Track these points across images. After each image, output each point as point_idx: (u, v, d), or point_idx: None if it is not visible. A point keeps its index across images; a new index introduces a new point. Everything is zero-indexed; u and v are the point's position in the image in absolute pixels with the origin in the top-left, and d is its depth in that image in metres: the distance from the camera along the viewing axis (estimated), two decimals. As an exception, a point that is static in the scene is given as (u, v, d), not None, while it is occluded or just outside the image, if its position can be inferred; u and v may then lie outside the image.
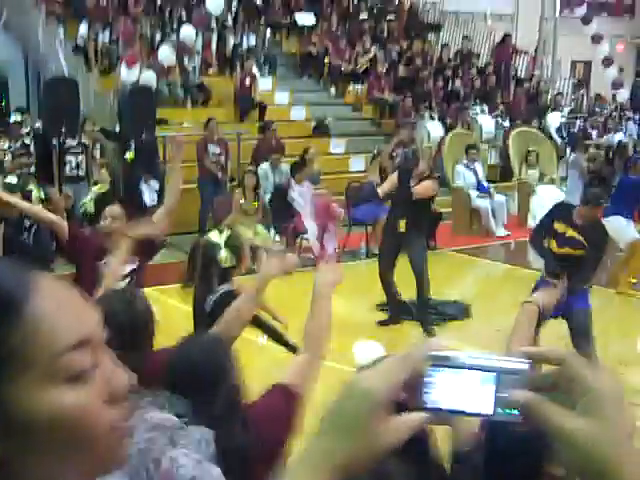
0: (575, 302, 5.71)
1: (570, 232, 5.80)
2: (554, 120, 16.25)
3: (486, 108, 16.08)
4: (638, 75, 24.74)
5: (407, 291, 8.25)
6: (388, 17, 18.48)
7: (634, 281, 9.50)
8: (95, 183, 10.36)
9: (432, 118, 14.95)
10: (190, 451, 2.12)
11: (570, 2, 17.79)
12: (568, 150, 15.20)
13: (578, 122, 16.61)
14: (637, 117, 17.67)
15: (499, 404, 0.92)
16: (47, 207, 6.22)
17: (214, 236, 4.40)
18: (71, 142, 11.09)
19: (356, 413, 0.90)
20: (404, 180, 7.97)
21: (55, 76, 12.46)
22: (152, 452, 2.07)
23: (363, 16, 17.97)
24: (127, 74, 12.66)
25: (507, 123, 15.77)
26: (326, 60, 16.09)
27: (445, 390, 0.93)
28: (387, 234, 8.31)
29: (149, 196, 10.67)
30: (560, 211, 6.06)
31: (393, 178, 8.19)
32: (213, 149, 11.65)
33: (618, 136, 15.88)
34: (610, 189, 11.24)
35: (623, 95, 17.76)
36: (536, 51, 19.97)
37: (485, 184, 13.20)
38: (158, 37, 14.38)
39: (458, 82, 16.81)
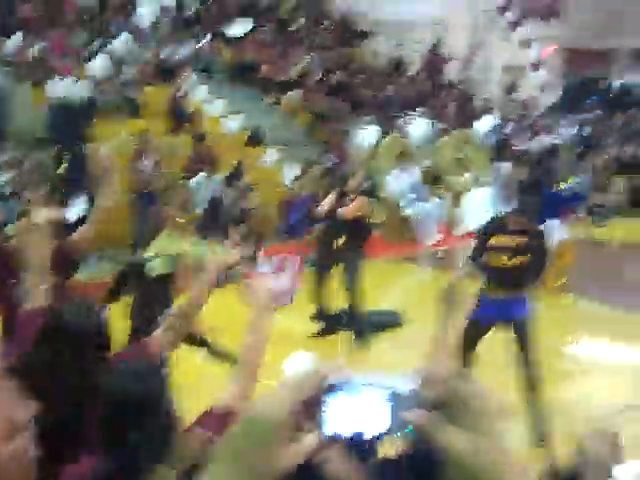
0: (517, 309, 5.79)
1: (513, 241, 5.75)
2: (485, 124, 16.54)
3: (419, 114, 16.32)
4: (567, 79, 25.34)
5: (341, 302, 8.35)
6: (321, 26, 18.63)
7: (561, 282, 9.74)
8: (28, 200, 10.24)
9: (366, 125, 15.11)
10: None
11: (499, 8, 18.14)
12: (498, 154, 15.52)
13: (508, 126, 16.95)
14: (565, 121, 18.11)
15: (393, 423, 0.98)
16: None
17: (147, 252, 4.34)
18: (2, 157, 10.98)
19: (252, 439, 0.93)
20: (339, 198, 8.10)
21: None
22: None
23: (296, 25, 18.08)
24: (59, 86, 12.57)
25: (440, 129, 16.00)
26: (260, 69, 16.14)
27: (342, 413, 0.98)
28: (323, 248, 8.40)
29: (76, 210, 10.55)
30: (495, 225, 5.97)
31: (331, 197, 8.29)
32: (146, 161, 11.61)
33: (547, 140, 16.27)
34: (539, 193, 11.51)
35: (552, 99, 18.19)
36: (467, 56, 20.33)
37: (418, 189, 13.40)
38: (91, 49, 14.29)
39: (391, 89, 17.04)
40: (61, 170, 11.12)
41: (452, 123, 16.45)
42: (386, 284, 10.63)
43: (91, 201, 10.33)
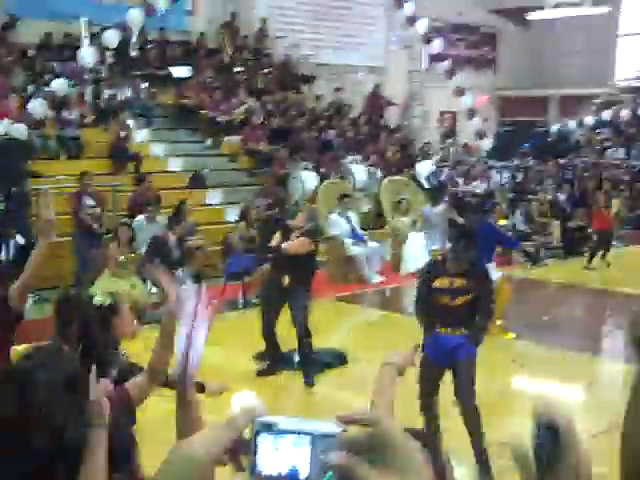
0: (464, 346, 5.84)
1: (456, 282, 5.81)
2: (424, 169, 16.85)
3: (359, 157, 16.55)
4: (501, 125, 26.07)
5: (288, 341, 8.36)
6: (263, 70, 18.84)
7: (499, 323, 9.89)
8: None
9: (306, 168, 15.27)
10: None
11: (435, 57, 18.62)
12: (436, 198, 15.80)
13: (446, 170, 17.31)
14: (499, 165, 18.57)
15: (315, 467, 0.99)
16: None
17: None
18: None
19: (181, 477, 0.95)
20: (285, 236, 8.15)
21: None
22: None
23: (238, 69, 18.25)
24: (-4, 127, 12.42)
25: (379, 172, 16.24)
26: (202, 112, 16.22)
27: (267, 455, 1.00)
28: (270, 287, 8.41)
29: (9, 252, 10.38)
30: (434, 268, 6.05)
31: (277, 236, 8.34)
32: (88, 202, 11.55)
33: (483, 185, 16.64)
34: (475, 236, 11.74)
35: (487, 145, 18.65)
36: (405, 102, 20.77)
37: (359, 232, 13.55)
38: (30, 90, 14.19)
39: (332, 132, 17.27)
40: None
41: (392, 167, 16.72)
42: (331, 323, 10.66)
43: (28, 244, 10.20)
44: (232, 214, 13.80)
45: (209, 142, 16.17)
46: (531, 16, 26.10)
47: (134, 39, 16.39)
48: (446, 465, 2.21)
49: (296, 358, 8.53)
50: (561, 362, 8.93)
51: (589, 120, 22.32)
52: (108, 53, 15.64)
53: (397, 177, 15.85)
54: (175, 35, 18.61)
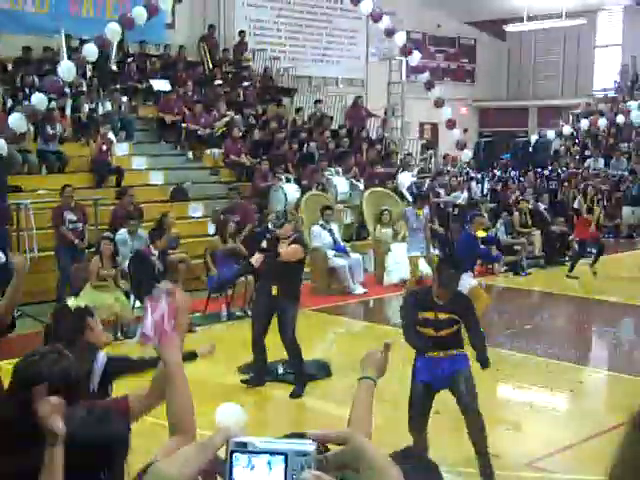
0: (455, 365, 5.88)
1: (440, 315, 5.85)
2: (405, 180, 16.89)
3: (340, 169, 16.59)
4: (481, 136, 26.25)
5: (272, 352, 8.35)
6: (243, 83, 18.87)
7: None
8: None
9: (288, 180, 15.28)
10: None
11: (414, 69, 18.73)
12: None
13: (427, 181, 17.37)
14: (479, 176, 18.67)
15: None
16: None
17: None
18: None
19: None
20: (273, 245, 8.16)
21: None
22: None
23: (218, 82, 18.27)
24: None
25: (362, 184, 16.27)
26: (183, 125, 16.21)
27: (243, 474, 1.01)
28: (260, 298, 8.42)
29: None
30: (419, 301, 6.05)
31: (264, 244, 8.34)
32: (69, 216, 11.50)
33: (463, 195, 16.72)
34: (460, 267, 11.79)
35: (467, 155, 18.75)
36: (386, 114, 20.86)
37: (341, 243, 13.58)
38: (9, 104, 14.14)
39: (312, 145, 17.31)
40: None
41: (373, 179, 16.76)
42: (315, 334, 10.65)
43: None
44: (214, 227, 13.78)
45: (190, 155, 16.15)
46: (509, 28, 26.35)
47: (113, 53, 16.40)
48: None
49: (280, 369, 8.53)
50: (544, 370, 8.98)
51: (567, 130, 22.52)
52: (88, 67, 15.63)
53: (379, 188, 15.89)
54: (155, 49, 18.63)
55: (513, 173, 19.95)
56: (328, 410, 7.61)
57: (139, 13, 13.89)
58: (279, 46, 21.37)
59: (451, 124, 18.60)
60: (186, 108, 16.53)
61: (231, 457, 1.01)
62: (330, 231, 13.34)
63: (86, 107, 15.29)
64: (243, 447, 1.01)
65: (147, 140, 16.31)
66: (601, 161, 21.22)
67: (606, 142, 22.37)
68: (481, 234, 10.67)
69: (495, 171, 20.20)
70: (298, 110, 19.03)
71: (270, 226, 12.51)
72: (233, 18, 20.65)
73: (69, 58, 14.21)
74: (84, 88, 15.72)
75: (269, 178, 15.21)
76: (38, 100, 13.06)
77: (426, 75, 18.30)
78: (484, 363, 6.08)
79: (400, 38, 17.80)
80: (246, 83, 18.96)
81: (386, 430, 5.21)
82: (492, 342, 9.89)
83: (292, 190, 14.74)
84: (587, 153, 22.05)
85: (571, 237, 16.03)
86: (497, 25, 26.58)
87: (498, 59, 28.31)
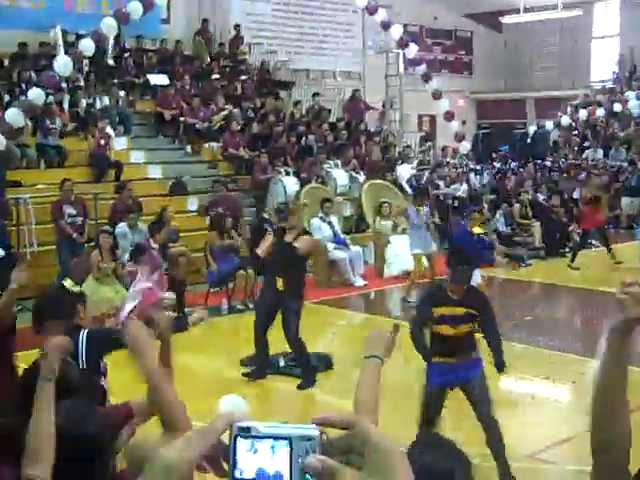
0: (470, 371, 5.75)
1: (457, 310, 5.69)
2: (404, 172, 16.86)
3: (339, 162, 16.55)
4: (479, 128, 26.22)
5: (276, 346, 8.32)
6: (240, 76, 18.83)
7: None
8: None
9: (287, 173, 15.26)
10: None
11: (411, 61, 18.69)
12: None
13: (426, 174, 17.34)
14: (478, 167, 18.65)
15: (294, 470, 0.99)
16: None
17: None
18: None
19: None
20: (279, 236, 8.13)
21: None
22: None
23: (215, 75, 18.22)
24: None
25: (361, 176, 16.25)
26: (181, 119, 16.17)
27: (247, 459, 1.00)
28: (266, 292, 8.39)
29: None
30: (434, 297, 5.92)
31: (269, 237, 8.31)
32: (69, 210, 11.49)
33: (462, 187, 16.70)
34: (473, 262, 11.77)
35: (465, 147, 18.72)
36: (384, 106, 20.82)
37: (341, 236, 13.56)
38: (6, 99, 14.10)
39: (311, 137, 17.27)
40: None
41: (372, 171, 16.72)
42: (316, 327, 10.63)
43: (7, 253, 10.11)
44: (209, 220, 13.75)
45: (188, 149, 16.12)
46: (505, 20, 26.29)
47: (110, 47, 16.37)
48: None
49: (281, 362, 8.51)
50: (546, 362, 8.96)
51: (566, 121, 22.48)
52: (85, 62, 15.60)
53: (378, 181, 15.86)
54: (151, 43, 18.58)
55: (513, 164, 19.91)
56: (329, 401, 7.60)
57: (134, 8, 13.88)
58: (275, 40, 21.30)
59: (449, 116, 18.58)
60: (184, 102, 16.49)
61: (235, 442, 1.00)
62: (330, 223, 13.32)
63: (84, 102, 15.26)
64: (247, 432, 1.01)
65: (145, 134, 16.28)
66: (600, 152, 21.18)
67: (605, 133, 22.32)
68: (477, 230, 10.64)
69: (494, 163, 20.17)
70: (296, 103, 18.99)
71: (266, 216, 12.56)
72: (228, 12, 20.58)
73: (66, 53, 14.19)
74: (81, 83, 15.67)
75: (268, 171, 15.19)
76: (35, 95, 13.05)
77: (423, 67, 18.28)
78: (501, 366, 5.91)
79: (396, 31, 17.77)
80: (244, 77, 18.90)
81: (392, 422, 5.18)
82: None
83: (291, 183, 14.73)
84: (586, 144, 21.99)
85: (571, 228, 16.01)
86: (494, 17, 26.51)
87: (495, 51, 28.24)
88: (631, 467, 1.98)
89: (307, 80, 21.17)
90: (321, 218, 13.29)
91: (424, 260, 11.98)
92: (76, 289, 3.98)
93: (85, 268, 10.09)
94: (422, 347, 5.78)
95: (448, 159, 18.91)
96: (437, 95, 18.22)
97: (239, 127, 16.43)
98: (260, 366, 8.31)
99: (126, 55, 17.52)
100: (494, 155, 20.95)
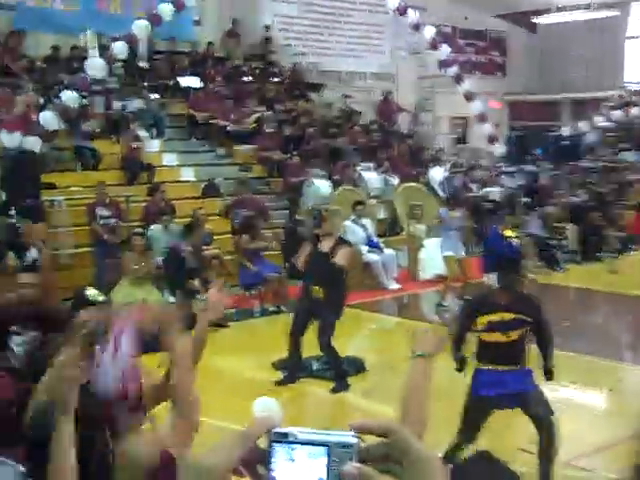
0: (521, 384, 5.54)
1: (507, 316, 5.49)
2: (437, 175, 16.75)
3: (371, 164, 16.47)
4: (512, 130, 25.96)
5: (310, 349, 8.27)
6: (272, 78, 18.79)
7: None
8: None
9: (320, 176, 15.19)
10: None
11: (444, 63, 18.52)
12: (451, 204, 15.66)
13: (459, 176, 17.19)
14: (512, 170, 18.45)
15: (331, 477, 0.96)
16: None
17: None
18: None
19: None
20: (314, 245, 8.06)
21: None
22: None
23: (247, 78, 18.21)
24: (8, 139, 12.37)
25: (395, 179, 16.14)
26: (213, 121, 16.17)
27: (283, 465, 0.98)
28: (303, 298, 8.35)
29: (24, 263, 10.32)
30: (479, 306, 5.73)
31: (306, 247, 8.24)
32: (102, 212, 11.54)
33: (496, 190, 16.53)
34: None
35: (499, 149, 18.54)
36: (416, 108, 20.69)
37: (375, 239, 13.47)
38: (41, 102, 14.16)
39: (343, 140, 17.19)
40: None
41: (405, 174, 16.61)
42: (349, 331, 10.57)
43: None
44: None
45: (221, 151, 16.11)
46: (538, 20, 26.02)
47: (142, 50, 16.41)
48: None
49: (315, 365, 8.46)
50: (582, 368, 8.79)
51: (601, 122, 22.18)
52: (117, 64, 15.64)
53: (411, 184, 15.75)
54: (183, 45, 18.60)
55: (547, 167, 19.68)
56: (362, 405, 7.55)
57: (165, 9, 13.90)
58: (305, 41, 21.23)
59: (482, 118, 18.41)
60: (216, 104, 16.48)
61: (271, 447, 0.99)
62: (363, 226, 13.24)
63: (116, 104, 15.30)
64: (284, 438, 0.99)
65: (177, 137, 16.30)
66: (635, 153, 20.86)
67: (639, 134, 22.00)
68: (508, 234, 10.49)
69: (528, 165, 19.94)
70: (327, 105, 18.91)
71: (300, 218, 12.51)
72: (260, 13, 20.55)
73: (100, 56, 14.24)
74: (114, 85, 15.73)
75: (301, 174, 15.14)
76: (68, 98, 13.11)
77: (455, 69, 18.12)
78: (551, 375, 5.73)
79: (428, 32, 17.64)
80: (276, 79, 18.87)
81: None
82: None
83: (324, 185, 14.67)
84: (621, 145, 21.68)
85: (610, 232, 15.72)
86: (527, 17, 26.25)
87: (529, 52, 27.96)
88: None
89: (337, 82, 21.08)
90: (353, 221, 13.21)
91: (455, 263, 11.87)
92: (100, 298, 3.87)
93: (118, 270, 10.11)
94: (459, 362, 5.65)
95: (482, 162, 18.74)
96: (469, 97, 18.05)
97: (271, 129, 16.40)
98: (292, 370, 8.27)
99: (158, 57, 17.55)
100: (528, 158, 20.72)
